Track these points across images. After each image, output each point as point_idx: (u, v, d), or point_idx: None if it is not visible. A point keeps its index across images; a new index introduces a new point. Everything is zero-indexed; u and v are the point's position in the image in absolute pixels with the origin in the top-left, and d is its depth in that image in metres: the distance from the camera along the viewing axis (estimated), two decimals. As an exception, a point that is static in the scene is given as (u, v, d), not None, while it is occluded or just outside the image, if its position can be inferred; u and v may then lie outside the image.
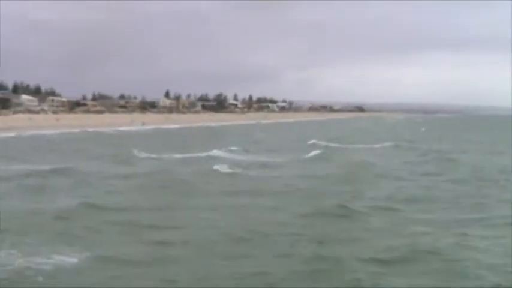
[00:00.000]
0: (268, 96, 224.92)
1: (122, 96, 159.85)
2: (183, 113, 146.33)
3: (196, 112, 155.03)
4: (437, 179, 19.69)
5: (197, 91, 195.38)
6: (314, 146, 34.03)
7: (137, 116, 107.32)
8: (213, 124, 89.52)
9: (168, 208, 13.46)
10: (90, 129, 57.06)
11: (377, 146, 37.60)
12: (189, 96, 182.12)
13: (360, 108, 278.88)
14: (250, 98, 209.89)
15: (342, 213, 12.32)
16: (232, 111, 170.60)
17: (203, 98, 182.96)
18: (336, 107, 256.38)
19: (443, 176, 20.47)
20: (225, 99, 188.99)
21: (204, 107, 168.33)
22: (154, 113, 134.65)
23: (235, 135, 53.49)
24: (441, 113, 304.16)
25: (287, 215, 12.25)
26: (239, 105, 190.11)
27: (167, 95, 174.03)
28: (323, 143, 38.14)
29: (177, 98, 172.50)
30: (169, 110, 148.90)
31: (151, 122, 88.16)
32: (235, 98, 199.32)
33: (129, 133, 56.91)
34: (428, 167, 23.72)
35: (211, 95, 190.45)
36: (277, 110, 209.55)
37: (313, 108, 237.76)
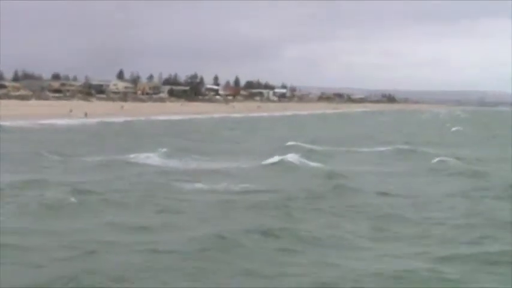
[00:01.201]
0: (262, 79, 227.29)
1: (56, 77, 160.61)
2: (143, 101, 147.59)
3: (162, 100, 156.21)
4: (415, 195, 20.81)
5: (163, 71, 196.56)
6: (288, 149, 35.21)
7: (78, 105, 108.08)
8: (179, 117, 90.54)
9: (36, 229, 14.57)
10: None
11: (373, 150, 38.98)
12: (151, 77, 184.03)
13: (390, 98, 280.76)
14: (237, 81, 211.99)
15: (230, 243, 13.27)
16: (211, 100, 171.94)
17: (171, 81, 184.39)
18: (355, 96, 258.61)
19: (432, 192, 21.55)
20: (202, 82, 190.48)
21: (172, 94, 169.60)
22: (103, 100, 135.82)
23: (197, 133, 54.91)
24: (505, 106, 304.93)
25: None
26: (221, 92, 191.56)
27: (120, 75, 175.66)
28: (304, 145, 39.36)
29: (135, 80, 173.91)
30: (124, 96, 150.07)
31: (98, 112, 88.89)
32: (216, 82, 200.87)
33: (58, 128, 57.99)
34: (420, 181, 24.83)
35: (183, 76, 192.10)
36: (275, 98, 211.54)
37: (325, 97, 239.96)
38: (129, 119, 79.72)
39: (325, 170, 26.95)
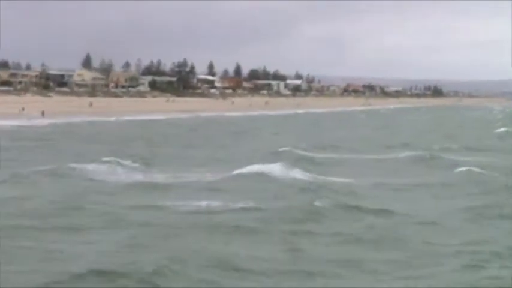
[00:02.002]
0: (271, 67, 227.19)
1: (4, 65, 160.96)
2: (117, 96, 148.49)
3: (141, 95, 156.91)
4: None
5: (142, 57, 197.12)
6: (277, 157, 35.89)
7: (33, 101, 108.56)
8: (162, 117, 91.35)
9: None
10: None
11: (388, 156, 40.03)
12: (126, 65, 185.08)
13: (435, 91, 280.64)
14: (238, 70, 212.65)
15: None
16: (204, 94, 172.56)
17: (153, 70, 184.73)
18: (390, 89, 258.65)
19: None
20: (193, 71, 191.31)
21: (154, 86, 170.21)
22: (65, 94, 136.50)
23: (172, 137, 55.64)
24: None
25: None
26: (218, 84, 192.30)
27: (87, 63, 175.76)
28: (300, 152, 40.23)
29: (106, 69, 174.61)
30: (92, 90, 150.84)
31: (59, 111, 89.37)
32: (211, 71, 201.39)
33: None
34: (433, 196, 25.33)
35: (168, 64, 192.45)
36: (287, 92, 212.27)
37: (351, 90, 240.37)
38: (94, 119, 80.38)
39: (311, 183, 27.56)
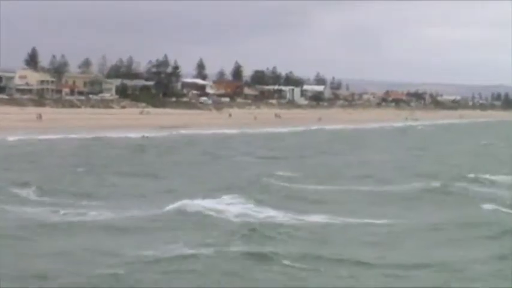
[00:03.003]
0: (282, 67, 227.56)
1: None
2: (73, 105, 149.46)
3: (106, 104, 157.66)
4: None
5: (108, 53, 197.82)
6: (244, 188, 37.08)
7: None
8: (124, 135, 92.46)
9: None
10: None
11: (392, 188, 41.33)
12: (86, 64, 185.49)
13: (507, 101, 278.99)
14: (238, 71, 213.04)
15: None
16: (192, 104, 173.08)
17: (122, 71, 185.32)
18: (446, 97, 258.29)
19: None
20: (176, 73, 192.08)
21: (124, 93, 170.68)
22: (2, 104, 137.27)
23: (126, 161, 56.77)
24: None
25: None
26: (210, 89, 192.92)
27: (32, 61, 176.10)
28: (279, 183, 41.75)
29: (58, 69, 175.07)
30: (39, 97, 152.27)
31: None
32: (201, 73, 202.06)
33: None
34: (433, 242, 25.93)
35: (143, 62, 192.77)
36: (304, 101, 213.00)
37: (391, 99, 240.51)
38: (30, 138, 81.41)
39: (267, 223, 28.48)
